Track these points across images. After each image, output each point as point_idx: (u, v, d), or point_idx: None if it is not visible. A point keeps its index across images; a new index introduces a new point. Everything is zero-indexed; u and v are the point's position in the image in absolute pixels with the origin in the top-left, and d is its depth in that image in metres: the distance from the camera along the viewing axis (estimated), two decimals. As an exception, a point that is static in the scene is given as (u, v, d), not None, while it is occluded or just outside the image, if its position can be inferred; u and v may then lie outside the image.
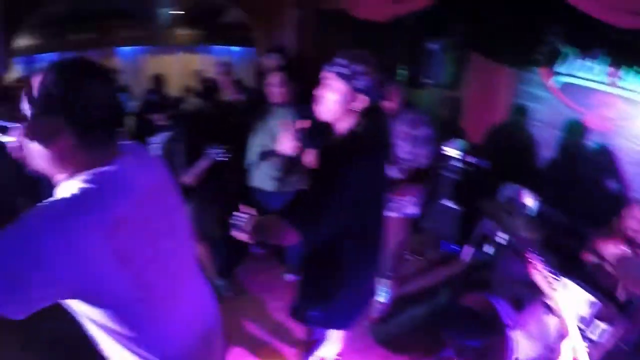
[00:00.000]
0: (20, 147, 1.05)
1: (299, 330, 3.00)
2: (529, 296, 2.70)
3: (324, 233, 1.64)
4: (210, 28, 9.35)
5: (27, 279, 0.87)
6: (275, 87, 3.08)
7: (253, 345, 3.02)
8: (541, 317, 2.27)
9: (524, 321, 2.40)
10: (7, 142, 1.08)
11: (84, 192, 0.97)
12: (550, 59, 3.92)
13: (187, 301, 1.26)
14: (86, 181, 1.00)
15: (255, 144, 3.24)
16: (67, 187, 1.01)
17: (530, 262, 2.17)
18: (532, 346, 2.27)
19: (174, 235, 1.20)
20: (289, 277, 3.71)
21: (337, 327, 2.13)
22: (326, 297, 1.83)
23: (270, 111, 3.18)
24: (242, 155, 3.29)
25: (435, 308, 3.41)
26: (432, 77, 4.64)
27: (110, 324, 1.05)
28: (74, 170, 1.03)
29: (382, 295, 3.36)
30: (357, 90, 1.65)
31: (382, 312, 3.32)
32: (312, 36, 4.87)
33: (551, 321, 2.19)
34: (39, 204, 0.95)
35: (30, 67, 7.69)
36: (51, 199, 0.98)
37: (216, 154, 2.93)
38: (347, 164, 1.61)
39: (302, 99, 3.28)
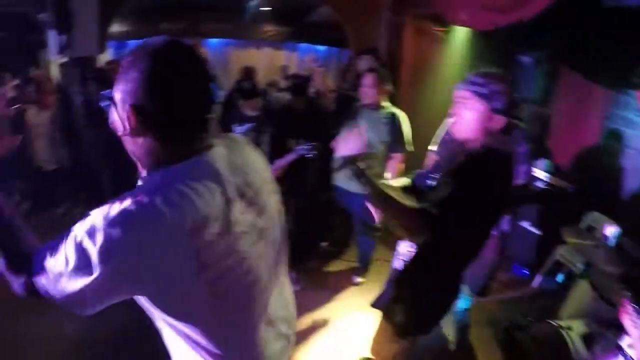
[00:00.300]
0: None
1: (359, 332, 3.01)
2: (602, 333, 2.56)
3: (442, 238, 1.62)
4: (297, 26, 9.56)
5: (100, 275, 0.83)
6: (368, 88, 3.10)
7: (312, 342, 3.05)
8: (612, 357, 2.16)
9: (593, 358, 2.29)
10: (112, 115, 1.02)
11: (167, 187, 0.89)
12: (650, 84, 3.68)
13: (267, 310, 1.13)
14: (171, 175, 0.93)
15: None
16: (152, 179, 0.97)
17: (622, 303, 2.04)
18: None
19: (264, 240, 1.08)
20: (357, 279, 3.72)
21: (413, 333, 2.09)
22: (416, 302, 1.82)
23: (360, 112, 3.19)
24: (328, 154, 3.31)
25: (497, 331, 3.28)
26: (522, 91, 4.47)
27: (185, 328, 0.98)
28: (160, 161, 0.96)
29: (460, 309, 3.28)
30: (494, 110, 1.62)
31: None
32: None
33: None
34: (119, 197, 0.89)
35: (120, 51, 8.12)
36: (133, 190, 0.91)
37: (304, 150, 2.97)
38: (482, 182, 1.58)
39: (394, 102, 3.29)
